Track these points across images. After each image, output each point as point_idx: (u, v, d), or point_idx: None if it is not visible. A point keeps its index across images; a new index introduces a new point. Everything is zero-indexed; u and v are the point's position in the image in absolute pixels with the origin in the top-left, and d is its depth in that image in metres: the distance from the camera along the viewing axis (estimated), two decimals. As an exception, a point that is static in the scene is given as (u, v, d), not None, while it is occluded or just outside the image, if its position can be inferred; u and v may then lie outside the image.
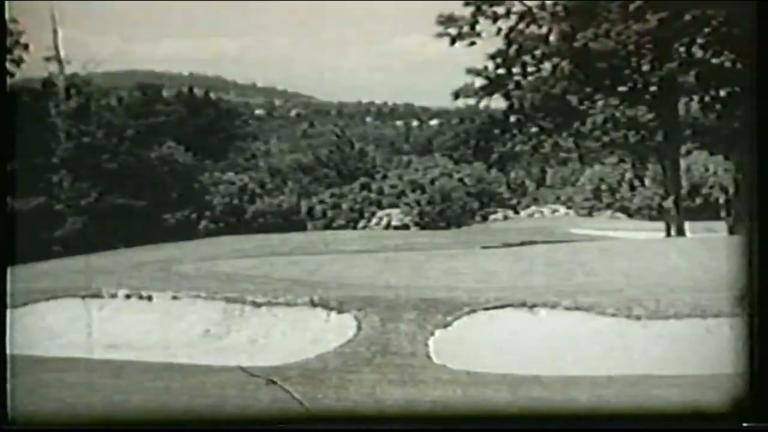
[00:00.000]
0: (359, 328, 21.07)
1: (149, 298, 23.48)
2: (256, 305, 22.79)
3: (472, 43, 43.54)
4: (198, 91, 69.77)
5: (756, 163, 12.29)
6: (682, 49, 41.79)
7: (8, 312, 13.93)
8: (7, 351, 13.64)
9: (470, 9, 43.28)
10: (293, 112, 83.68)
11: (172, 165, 58.91)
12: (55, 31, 52.20)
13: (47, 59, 52.04)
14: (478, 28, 43.43)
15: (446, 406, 15.44)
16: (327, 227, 65.33)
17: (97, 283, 24.61)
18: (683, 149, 48.96)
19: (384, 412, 14.88)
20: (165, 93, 68.09)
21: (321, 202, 68.14)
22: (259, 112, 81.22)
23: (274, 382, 16.38)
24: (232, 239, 47.72)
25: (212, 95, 71.17)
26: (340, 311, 21.98)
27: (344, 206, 68.03)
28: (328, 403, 15.49)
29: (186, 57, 70.16)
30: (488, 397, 16.01)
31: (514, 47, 43.74)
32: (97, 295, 23.52)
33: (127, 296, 23.55)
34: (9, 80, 14.01)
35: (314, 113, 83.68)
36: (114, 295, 23.60)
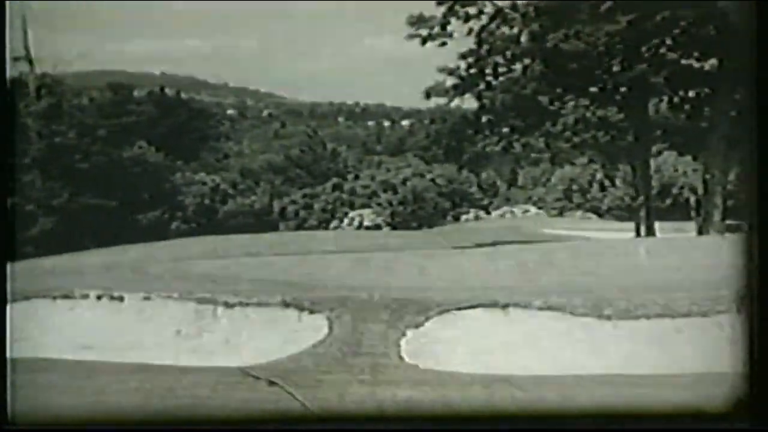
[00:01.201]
0: (331, 328, 21.07)
1: (120, 298, 23.38)
2: (228, 306, 22.74)
3: (443, 44, 43.70)
4: (170, 91, 69.68)
5: (755, 162, 12.39)
6: (651, 50, 42.06)
7: (8, 310, 13.89)
8: (7, 351, 13.60)
9: (442, 9, 43.41)
10: (265, 113, 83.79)
11: (144, 165, 58.83)
12: (25, 32, 52.11)
13: (17, 59, 51.90)
14: (449, 28, 43.61)
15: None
16: (299, 227, 65.47)
17: (68, 284, 24.53)
18: (653, 150, 49.32)
19: (384, 412, 14.91)
20: (136, 93, 67.97)
21: (293, 202, 68.24)
22: (231, 112, 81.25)
23: (275, 383, 16.40)
24: (204, 239, 47.73)
25: (184, 95, 71.06)
26: (312, 311, 21.97)
27: (316, 206, 68.15)
28: (298, 404, 15.51)
29: (157, 57, 70.31)
30: (459, 397, 16.07)
31: (486, 47, 43.90)
32: (68, 296, 23.43)
33: (99, 297, 23.46)
34: (5, 80, 13.89)
35: (286, 113, 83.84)
36: (85, 296, 23.50)
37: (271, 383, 16.47)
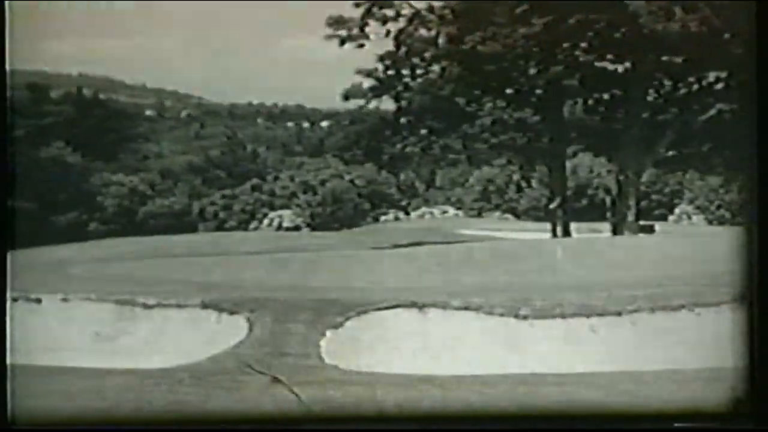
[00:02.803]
0: (251, 329, 21.11)
1: (38, 300, 23.23)
2: (147, 307, 22.69)
3: (361, 45, 43.78)
4: (87, 92, 69.07)
5: (756, 161, 12.62)
6: (566, 53, 42.49)
7: (8, 306, 13.77)
8: (7, 351, 13.49)
9: (360, 11, 43.50)
10: (184, 113, 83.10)
11: (62, 166, 58.30)
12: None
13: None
14: (367, 30, 43.68)
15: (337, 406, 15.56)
16: (218, 228, 65.17)
17: (-15, 286, 24.26)
18: (569, 151, 49.78)
19: (383, 413, 14.96)
20: (53, 93, 67.21)
21: (212, 203, 67.94)
22: (149, 113, 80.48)
23: (278, 380, 16.39)
24: (123, 241, 47.42)
25: (102, 96, 70.47)
26: (231, 312, 21.99)
27: (236, 207, 67.92)
28: (220, 404, 15.54)
29: (74, 57, 69.29)
30: (380, 398, 16.17)
31: (404, 49, 44.06)
32: (-16, 299, 23.19)
33: (15, 299, 23.27)
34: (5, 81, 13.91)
35: (205, 114, 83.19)
36: (1, 299, 23.29)
37: (275, 380, 16.49)
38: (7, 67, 13.39)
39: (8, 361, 13.23)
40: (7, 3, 12.63)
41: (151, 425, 14.53)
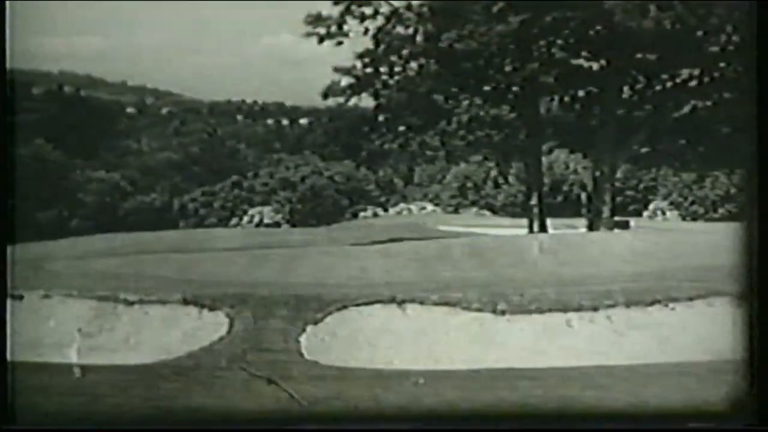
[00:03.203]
0: (231, 325, 21.24)
1: (20, 297, 23.26)
2: (128, 303, 22.77)
3: (340, 43, 43.87)
4: (68, 89, 69.10)
5: (756, 163, 12.83)
6: (542, 50, 42.70)
7: (8, 305, 13.84)
8: (8, 351, 13.60)
9: (338, 9, 43.60)
10: (164, 110, 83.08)
11: (43, 163, 58.31)
12: None
13: None
14: (345, 27, 43.77)
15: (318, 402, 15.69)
16: (199, 225, 65.24)
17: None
18: (545, 147, 49.93)
19: (383, 412, 15.08)
20: (35, 90, 67.19)
21: (193, 200, 68.02)
22: (130, 110, 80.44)
23: (274, 382, 16.52)
24: (104, 237, 47.35)
25: (83, 93, 70.49)
26: (212, 308, 22.11)
27: (216, 204, 68.04)
28: (200, 399, 15.70)
29: (55, 54, 69.22)
30: (359, 393, 16.31)
31: (382, 47, 44.16)
32: (-35, 295, 23.22)
33: (-4, 296, 23.32)
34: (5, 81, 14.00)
35: (185, 111, 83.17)
36: (-18, 295, 23.34)
37: (271, 382, 16.58)
38: (8, 65, 13.49)
39: (8, 357, 13.34)
40: (8, 3, 12.78)
41: (131, 421, 14.63)
